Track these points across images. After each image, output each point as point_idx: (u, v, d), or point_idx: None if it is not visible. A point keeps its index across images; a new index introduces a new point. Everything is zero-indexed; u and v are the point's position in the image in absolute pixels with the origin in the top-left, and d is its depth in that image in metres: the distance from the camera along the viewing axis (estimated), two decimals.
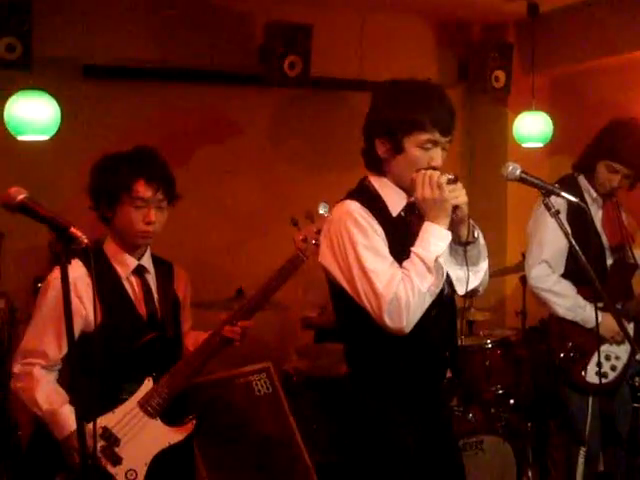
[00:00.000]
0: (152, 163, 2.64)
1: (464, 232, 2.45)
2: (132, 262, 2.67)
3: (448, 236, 2.37)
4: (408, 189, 2.46)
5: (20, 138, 4.06)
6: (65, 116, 4.05)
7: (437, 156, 2.41)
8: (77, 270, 2.52)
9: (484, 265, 2.58)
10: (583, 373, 3.37)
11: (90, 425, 2.04)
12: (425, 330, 2.37)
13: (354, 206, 2.40)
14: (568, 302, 3.41)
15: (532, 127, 5.16)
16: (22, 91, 3.98)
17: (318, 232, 2.60)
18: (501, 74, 5.42)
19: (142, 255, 2.70)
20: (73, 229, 1.81)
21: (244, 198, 5.04)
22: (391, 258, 2.37)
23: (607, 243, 3.48)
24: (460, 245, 2.47)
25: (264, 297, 2.65)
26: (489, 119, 5.89)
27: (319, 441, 3.99)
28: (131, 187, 2.56)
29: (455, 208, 2.39)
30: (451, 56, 5.78)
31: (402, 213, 2.48)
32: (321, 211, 2.66)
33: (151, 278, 2.72)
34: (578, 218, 3.17)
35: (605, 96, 5.22)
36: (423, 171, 2.37)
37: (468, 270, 2.46)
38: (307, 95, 5.19)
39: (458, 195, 2.37)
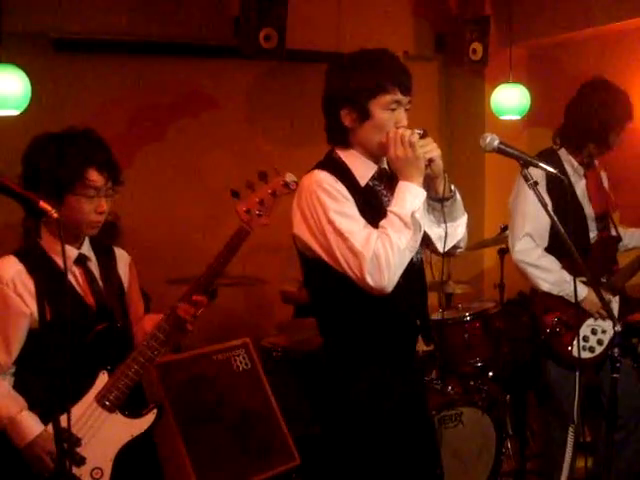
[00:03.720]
0: (100, 148, 2.49)
1: (440, 187, 2.49)
2: (72, 252, 2.53)
3: (423, 193, 2.40)
4: (377, 155, 2.50)
5: None
6: (35, 91, 3.97)
7: (403, 117, 2.45)
8: (13, 268, 2.42)
9: (463, 220, 2.62)
10: (569, 348, 3.35)
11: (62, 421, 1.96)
12: (394, 297, 2.39)
13: (323, 175, 2.42)
14: (553, 277, 3.38)
15: (509, 99, 5.14)
16: None
17: (260, 202, 2.53)
18: (478, 46, 5.39)
19: (82, 243, 2.57)
20: (42, 203, 1.78)
21: (220, 172, 4.98)
22: (364, 220, 2.39)
23: (592, 212, 3.45)
24: (437, 201, 2.50)
25: (213, 274, 2.53)
26: (466, 92, 5.86)
27: (298, 416, 3.99)
28: (84, 176, 2.42)
29: (429, 163, 2.42)
30: (428, 29, 5.75)
31: (370, 183, 2.51)
32: (288, 179, 2.59)
33: (93, 266, 2.60)
34: (558, 189, 3.15)
35: (583, 68, 5.21)
36: (394, 130, 2.40)
37: (446, 225, 2.51)
38: (283, 68, 5.14)
39: (430, 149, 2.41)
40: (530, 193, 2.46)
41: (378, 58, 2.47)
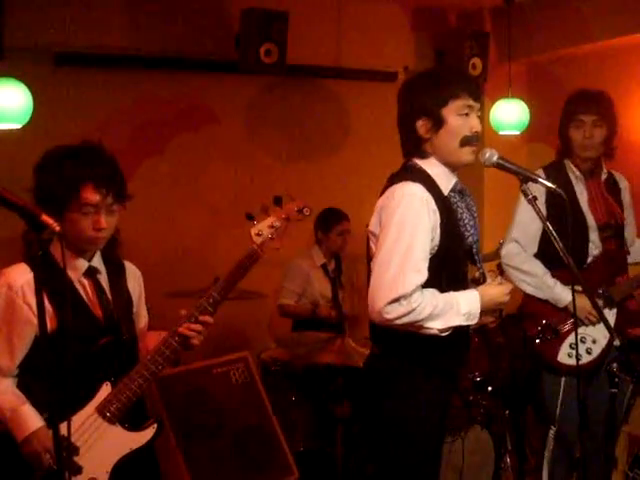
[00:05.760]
0: (99, 164, 2.46)
1: None
2: (82, 264, 2.53)
3: (473, 321, 2.51)
4: (453, 163, 2.57)
5: None
6: (37, 105, 3.99)
7: (476, 122, 2.53)
8: (24, 276, 2.42)
9: None
10: (555, 353, 3.40)
11: (62, 428, 1.95)
12: None
13: (418, 189, 2.47)
14: (534, 281, 3.45)
15: (509, 115, 5.17)
16: None
17: (273, 226, 2.57)
18: (478, 62, 5.41)
19: (92, 256, 2.57)
20: (44, 217, 1.76)
21: (221, 186, 5.01)
22: (427, 248, 2.46)
23: (594, 222, 3.47)
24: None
25: (222, 294, 2.55)
26: None
27: (297, 430, 3.98)
28: (79, 194, 2.40)
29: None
30: (428, 44, 5.77)
31: (449, 194, 2.58)
32: (302, 205, 2.63)
33: (103, 278, 2.59)
34: (558, 202, 3.17)
35: (582, 83, 5.20)
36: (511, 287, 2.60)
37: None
38: (284, 82, 5.16)
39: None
40: (526, 203, 2.48)
41: (445, 69, 2.69)
